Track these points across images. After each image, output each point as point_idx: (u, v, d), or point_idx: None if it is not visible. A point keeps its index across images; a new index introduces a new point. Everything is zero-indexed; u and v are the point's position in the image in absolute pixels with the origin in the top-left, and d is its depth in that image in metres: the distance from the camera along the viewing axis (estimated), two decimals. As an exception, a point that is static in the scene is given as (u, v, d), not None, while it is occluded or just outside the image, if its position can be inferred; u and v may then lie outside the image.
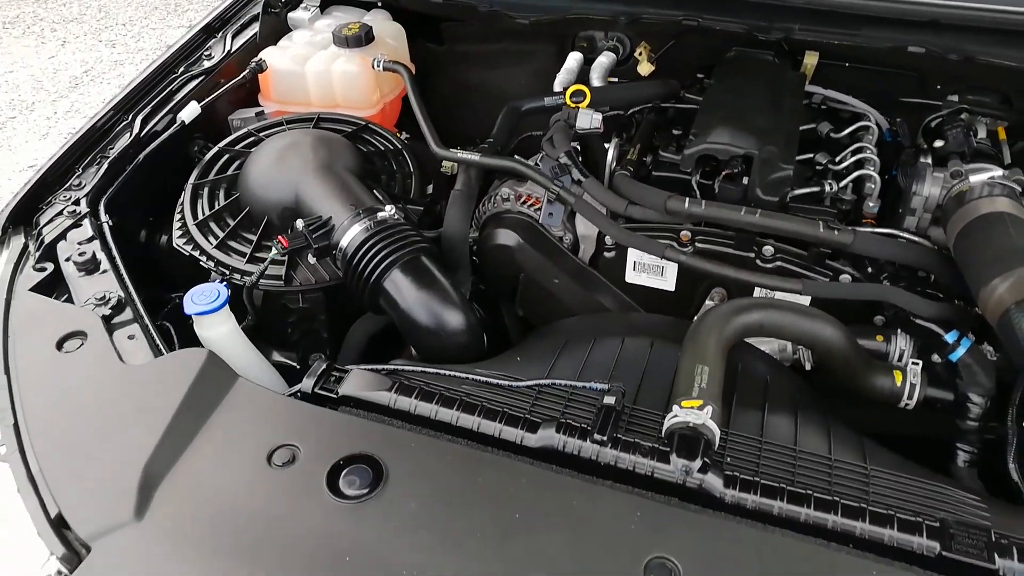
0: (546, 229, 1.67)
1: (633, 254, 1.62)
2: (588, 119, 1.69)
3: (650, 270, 1.63)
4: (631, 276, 1.65)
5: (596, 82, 1.96)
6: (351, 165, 1.70)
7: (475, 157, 1.68)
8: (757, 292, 1.52)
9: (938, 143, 1.55)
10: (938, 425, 1.38)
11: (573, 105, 1.73)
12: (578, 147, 1.68)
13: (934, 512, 1.04)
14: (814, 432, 1.22)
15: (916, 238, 1.46)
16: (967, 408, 1.30)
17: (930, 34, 1.64)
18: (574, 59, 2.04)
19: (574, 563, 0.96)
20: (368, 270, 1.46)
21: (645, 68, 2.06)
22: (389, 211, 1.53)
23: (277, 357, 1.70)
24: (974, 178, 1.39)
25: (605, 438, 1.10)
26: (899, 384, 1.33)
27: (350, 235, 1.49)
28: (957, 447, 1.33)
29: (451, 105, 2.25)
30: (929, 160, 1.50)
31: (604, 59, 2.02)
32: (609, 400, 1.15)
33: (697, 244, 1.56)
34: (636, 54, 2.08)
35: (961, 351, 1.30)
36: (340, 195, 1.58)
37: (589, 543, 0.99)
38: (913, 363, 1.35)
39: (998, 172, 1.39)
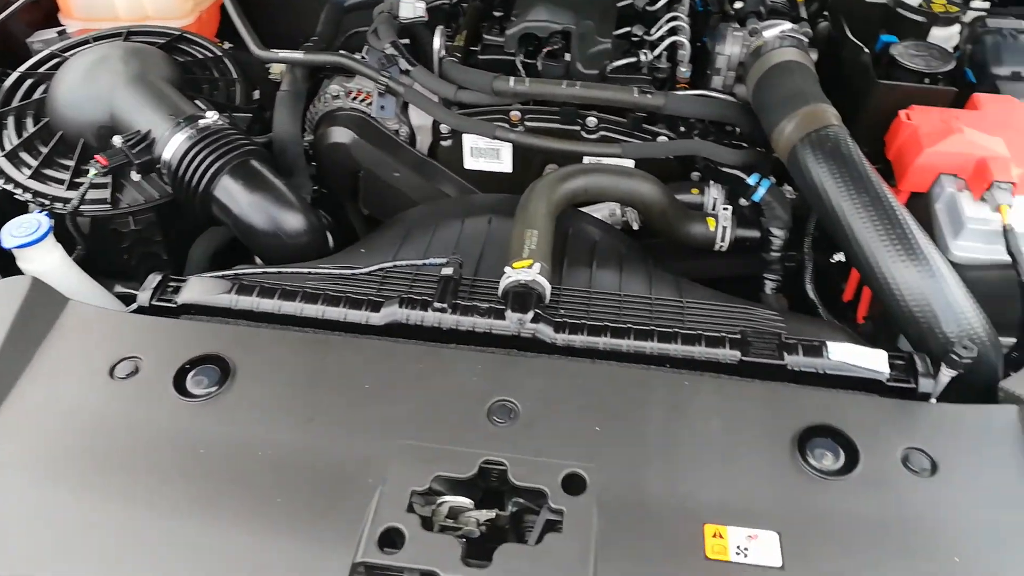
0: (380, 123, 1.67)
1: (469, 140, 1.65)
2: (411, 8, 1.68)
3: (487, 154, 1.67)
4: (469, 162, 1.69)
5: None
6: (168, 75, 1.63)
7: (299, 55, 1.65)
8: (586, 160, 1.60)
9: (738, 5, 1.65)
10: (751, 265, 1.53)
11: (394, -7, 1.70)
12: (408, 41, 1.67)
13: (739, 328, 1.17)
14: (637, 280, 1.33)
15: (722, 95, 1.57)
16: (770, 242, 1.45)
17: None
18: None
19: (423, 419, 1.03)
20: (196, 179, 1.43)
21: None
22: (212, 117, 1.49)
23: (120, 289, 1.64)
24: (767, 33, 1.50)
25: (445, 306, 1.16)
26: (712, 229, 1.45)
27: (173, 146, 1.44)
28: (764, 277, 1.48)
29: (272, 8, 2.16)
30: (732, 23, 1.60)
31: None
32: (447, 271, 1.21)
33: (527, 123, 1.61)
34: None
35: (762, 191, 1.43)
36: (158, 106, 1.52)
37: (436, 399, 1.05)
38: (724, 208, 1.47)
39: (788, 26, 1.50)
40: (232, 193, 1.44)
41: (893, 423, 1.01)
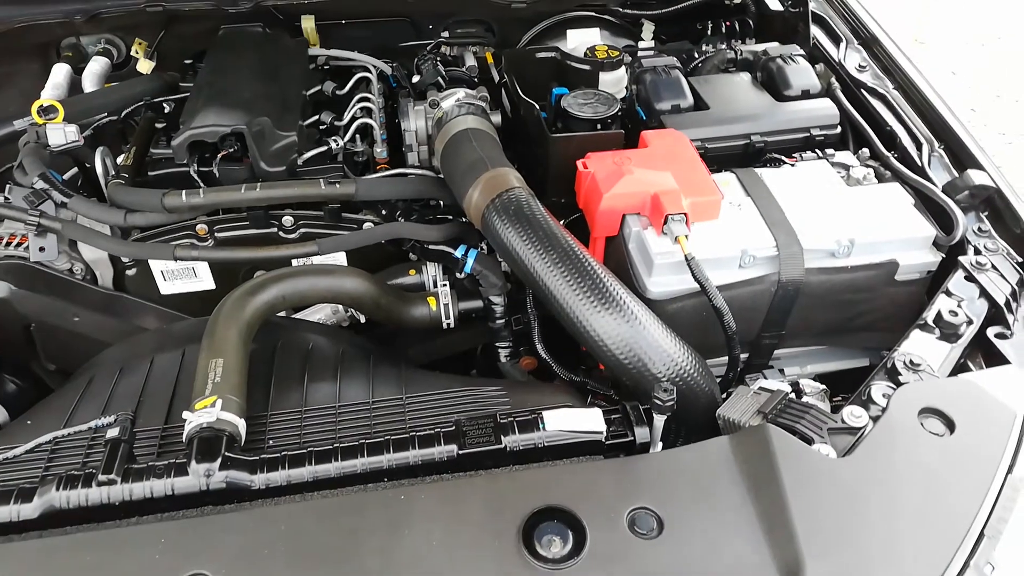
0: (47, 266, 1.45)
1: (159, 264, 1.48)
2: (61, 134, 1.49)
3: (182, 275, 1.50)
4: (165, 287, 1.51)
5: (89, 90, 1.75)
6: None
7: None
8: (296, 263, 1.49)
9: (416, 78, 1.63)
10: (485, 335, 1.48)
11: (44, 122, 1.51)
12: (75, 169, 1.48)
13: (465, 413, 1.09)
14: (357, 383, 1.21)
15: (414, 171, 1.53)
16: (492, 310, 1.40)
17: None
18: (60, 72, 1.80)
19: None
20: None
21: (145, 66, 1.90)
22: None
23: None
24: (445, 103, 1.49)
25: (112, 476, 0.97)
26: (435, 308, 1.38)
27: None
28: (497, 347, 1.43)
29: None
30: (411, 97, 1.57)
31: (96, 65, 1.82)
32: (112, 433, 1.02)
33: (217, 234, 1.46)
34: (132, 53, 1.91)
35: (470, 262, 1.39)
36: None
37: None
38: (443, 285, 1.41)
39: (463, 93, 1.50)
40: None
41: (617, 485, 0.96)
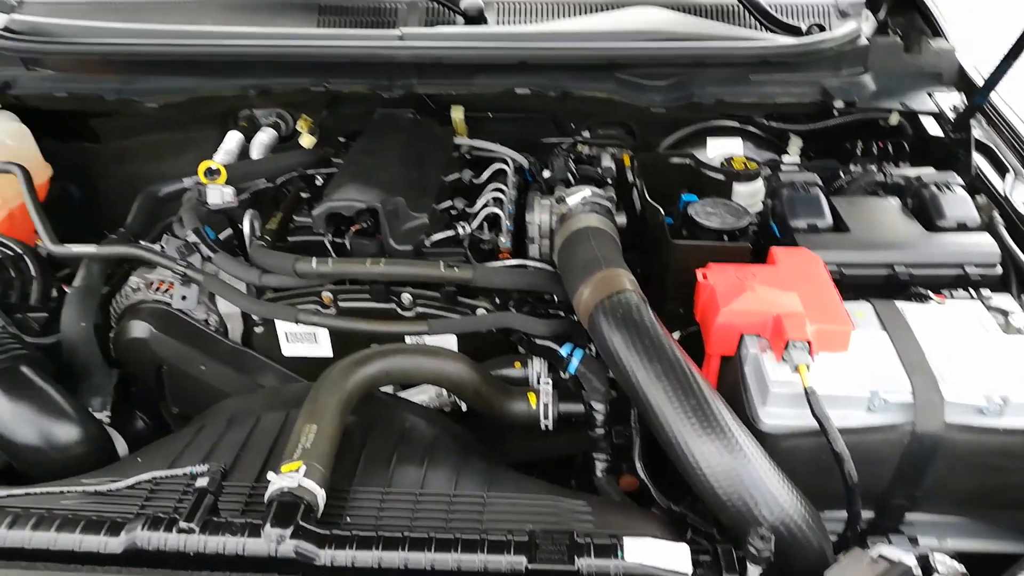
0: (185, 314, 1.56)
1: (283, 325, 1.56)
2: (219, 194, 1.63)
3: (303, 339, 1.57)
4: (287, 348, 1.58)
5: (255, 158, 1.92)
6: (-52, 279, 1.51)
7: (90, 249, 1.55)
8: (409, 340, 1.51)
9: (546, 173, 1.66)
10: (583, 443, 1.42)
11: (207, 182, 1.66)
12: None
13: (544, 524, 1.04)
14: (443, 473, 1.19)
15: (534, 264, 1.53)
16: (593, 417, 1.35)
17: (528, 75, 1.77)
18: (232, 139, 1.99)
19: None
20: (-52, 391, 1.27)
21: (307, 140, 2.05)
22: (-21, 322, 1.35)
23: None
24: (570, 200, 1.49)
25: (191, 525, 1.00)
26: (534, 406, 1.35)
27: (-70, 355, 1.30)
28: (594, 458, 1.37)
29: (117, 203, 2.10)
30: (540, 190, 1.60)
31: (264, 135, 1.99)
32: (202, 482, 1.06)
33: (340, 303, 1.52)
34: (298, 128, 2.08)
35: (575, 362, 1.35)
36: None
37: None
38: (544, 383, 1.38)
39: (589, 192, 1.50)
40: (-8, 406, 1.28)
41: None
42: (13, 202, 1.86)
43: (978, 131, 1.66)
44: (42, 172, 1.94)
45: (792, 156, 1.90)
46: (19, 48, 1.92)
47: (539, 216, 1.55)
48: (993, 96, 1.70)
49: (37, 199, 1.69)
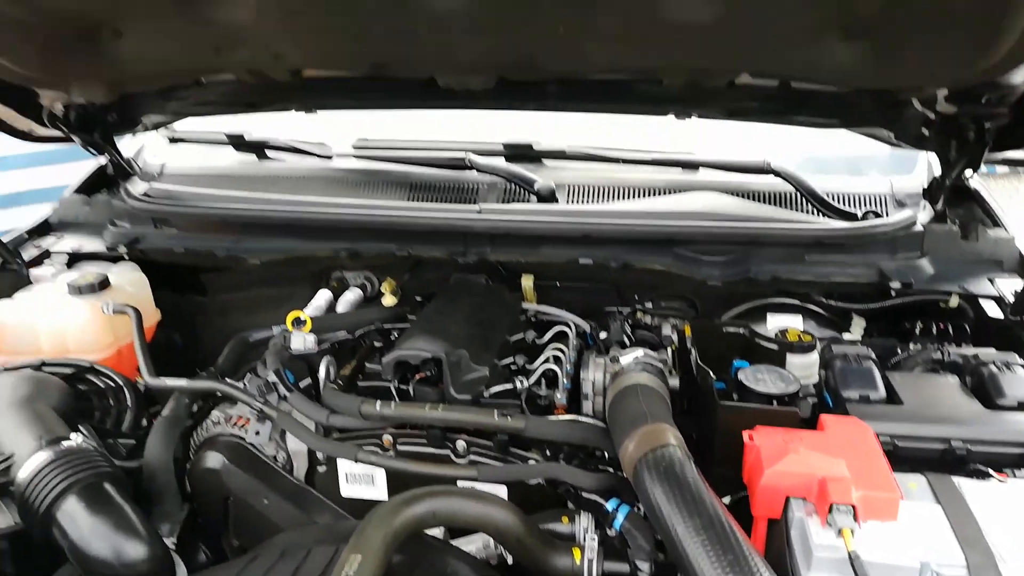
0: (257, 448, 1.66)
1: (343, 465, 1.63)
2: (302, 341, 1.78)
3: (362, 480, 1.63)
4: (346, 489, 1.65)
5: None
6: (57, 402, 1.67)
7: (180, 382, 1.71)
8: (460, 484, 1.55)
9: (603, 335, 1.74)
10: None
11: (292, 329, 1.82)
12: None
13: None
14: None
15: (586, 419, 1.57)
16: (637, 576, 1.33)
17: (590, 247, 1.91)
18: (322, 296, 2.18)
19: None
20: (40, 499, 1.38)
21: (389, 300, 2.23)
22: (75, 439, 1.49)
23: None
24: (623, 359, 1.56)
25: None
26: (578, 562, 1.34)
27: (30, 466, 1.42)
28: (637, 618, 1.33)
29: (216, 352, 2.30)
30: (595, 351, 1.68)
31: (350, 295, 2.18)
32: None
33: (399, 447, 1.60)
34: (382, 289, 2.27)
35: (620, 518, 1.36)
36: (30, 429, 1.53)
37: None
38: (591, 539, 1.38)
39: (641, 352, 1.57)
40: (74, 516, 1.37)
41: None
42: (124, 340, 2.08)
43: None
44: (151, 317, 2.17)
45: (854, 335, 1.93)
46: (153, 210, 2.23)
47: (593, 373, 1.62)
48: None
49: (144, 338, 1.89)
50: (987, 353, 1.56)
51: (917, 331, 1.82)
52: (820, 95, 1.76)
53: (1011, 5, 1.24)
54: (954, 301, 1.82)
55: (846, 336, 1.90)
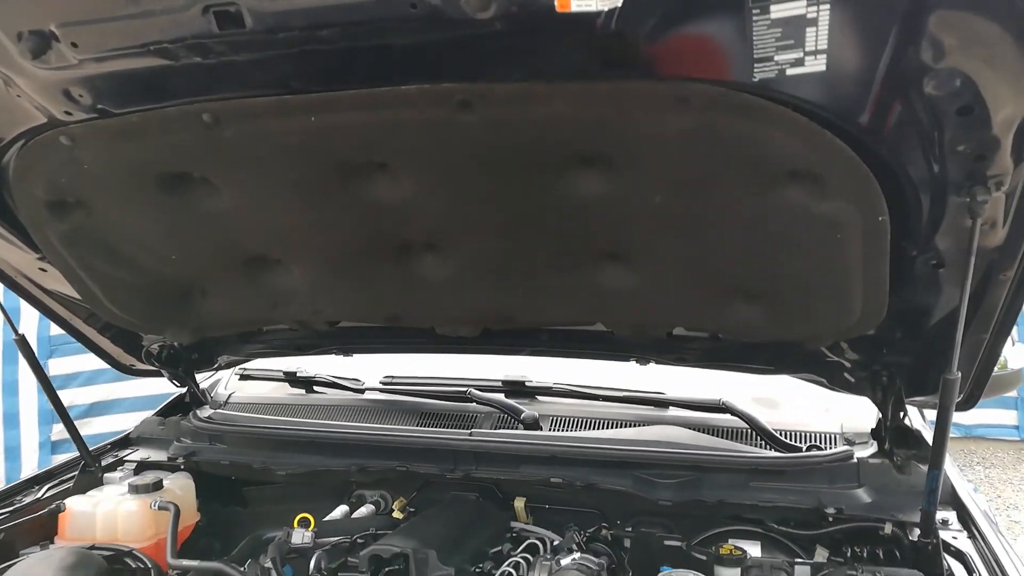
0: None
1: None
2: (300, 537, 2.08)
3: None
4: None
5: (347, 523, 2.40)
6: (92, 574, 2.00)
7: (193, 563, 2.01)
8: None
9: (557, 542, 1.95)
10: None
11: (296, 527, 2.14)
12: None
13: None
14: None
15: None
16: None
17: (561, 468, 2.19)
18: (339, 510, 2.51)
19: None
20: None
21: (398, 516, 2.52)
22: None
23: None
24: (563, 561, 1.78)
25: None
26: None
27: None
28: None
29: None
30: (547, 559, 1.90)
31: (364, 510, 2.49)
32: None
33: (366, 635, 1.81)
34: (393, 506, 2.57)
35: None
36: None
37: None
38: None
39: (578, 555, 1.79)
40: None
41: None
42: (164, 533, 2.42)
43: (949, 535, 1.80)
44: (191, 516, 2.51)
45: (818, 559, 2.05)
46: (211, 430, 2.68)
47: (538, 573, 1.83)
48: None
49: (176, 526, 2.23)
50: (897, 572, 1.69)
51: (849, 554, 1.95)
52: (752, 345, 2.09)
53: (849, 280, 1.60)
54: (887, 528, 1.95)
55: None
